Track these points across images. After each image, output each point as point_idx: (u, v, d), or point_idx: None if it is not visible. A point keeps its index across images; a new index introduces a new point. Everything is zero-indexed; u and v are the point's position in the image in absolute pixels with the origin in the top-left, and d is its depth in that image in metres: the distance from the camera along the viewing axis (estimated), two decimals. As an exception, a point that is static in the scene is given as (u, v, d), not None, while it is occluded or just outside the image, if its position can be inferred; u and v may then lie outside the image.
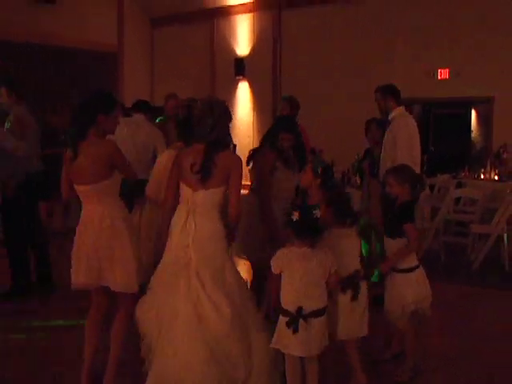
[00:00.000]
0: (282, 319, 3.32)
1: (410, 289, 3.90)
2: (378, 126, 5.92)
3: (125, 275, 3.54)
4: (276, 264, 3.35)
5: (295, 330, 3.27)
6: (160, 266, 3.50)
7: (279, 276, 3.34)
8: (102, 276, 3.54)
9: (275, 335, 3.36)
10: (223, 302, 3.29)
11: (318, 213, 3.34)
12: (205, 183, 3.37)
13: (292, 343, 3.31)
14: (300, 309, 3.29)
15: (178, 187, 3.53)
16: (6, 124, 5.57)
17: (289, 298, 3.34)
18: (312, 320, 3.29)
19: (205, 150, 3.40)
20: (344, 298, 3.55)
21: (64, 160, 3.64)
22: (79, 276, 3.58)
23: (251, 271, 4.69)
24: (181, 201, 3.49)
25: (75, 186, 3.61)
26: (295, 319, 3.28)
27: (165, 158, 4.62)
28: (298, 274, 3.28)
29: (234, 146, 9.02)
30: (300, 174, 4.24)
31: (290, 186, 4.36)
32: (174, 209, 3.53)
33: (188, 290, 3.32)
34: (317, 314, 3.31)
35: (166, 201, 3.59)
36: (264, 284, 4.48)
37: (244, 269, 4.85)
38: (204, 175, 3.36)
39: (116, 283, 3.55)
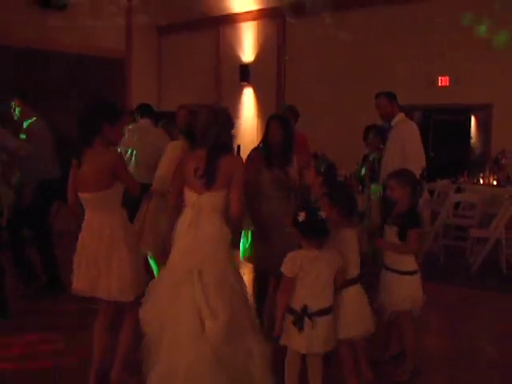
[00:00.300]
0: (289, 317, 3.42)
1: (403, 292, 4.00)
2: (377, 132, 6.07)
3: (120, 284, 3.60)
4: (289, 267, 3.41)
5: (301, 329, 3.38)
6: (165, 268, 3.57)
7: (293, 279, 3.40)
8: (96, 286, 3.62)
9: (283, 333, 3.46)
10: (221, 310, 3.36)
11: (323, 214, 3.44)
12: (209, 187, 3.46)
13: (297, 340, 3.41)
14: (305, 307, 3.39)
15: (182, 191, 3.61)
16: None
17: (296, 298, 3.42)
18: (317, 319, 3.38)
19: (207, 155, 3.50)
20: (355, 295, 3.65)
21: (72, 167, 3.73)
22: (79, 281, 3.68)
23: (253, 276, 4.80)
24: (186, 205, 3.57)
25: (79, 194, 3.71)
26: (300, 318, 3.37)
27: (170, 152, 4.73)
28: (310, 276, 3.37)
29: (239, 146, 9.10)
30: (286, 173, 4.42)
31: (277, 187, 4.50)
32: (178, 211, 3.61)
33: (190, 293, 3.40)
34: (323, 312, 3.40)
35: (171, 204, 3.68)
36: (264, 289, 4.61)
37: (245, 274, 4.91)
38: (208, 179, 3.45)
39: (111, 292, 3.63)
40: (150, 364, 3.44)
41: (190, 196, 3.54)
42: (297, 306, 3.39)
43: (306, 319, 3.34)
